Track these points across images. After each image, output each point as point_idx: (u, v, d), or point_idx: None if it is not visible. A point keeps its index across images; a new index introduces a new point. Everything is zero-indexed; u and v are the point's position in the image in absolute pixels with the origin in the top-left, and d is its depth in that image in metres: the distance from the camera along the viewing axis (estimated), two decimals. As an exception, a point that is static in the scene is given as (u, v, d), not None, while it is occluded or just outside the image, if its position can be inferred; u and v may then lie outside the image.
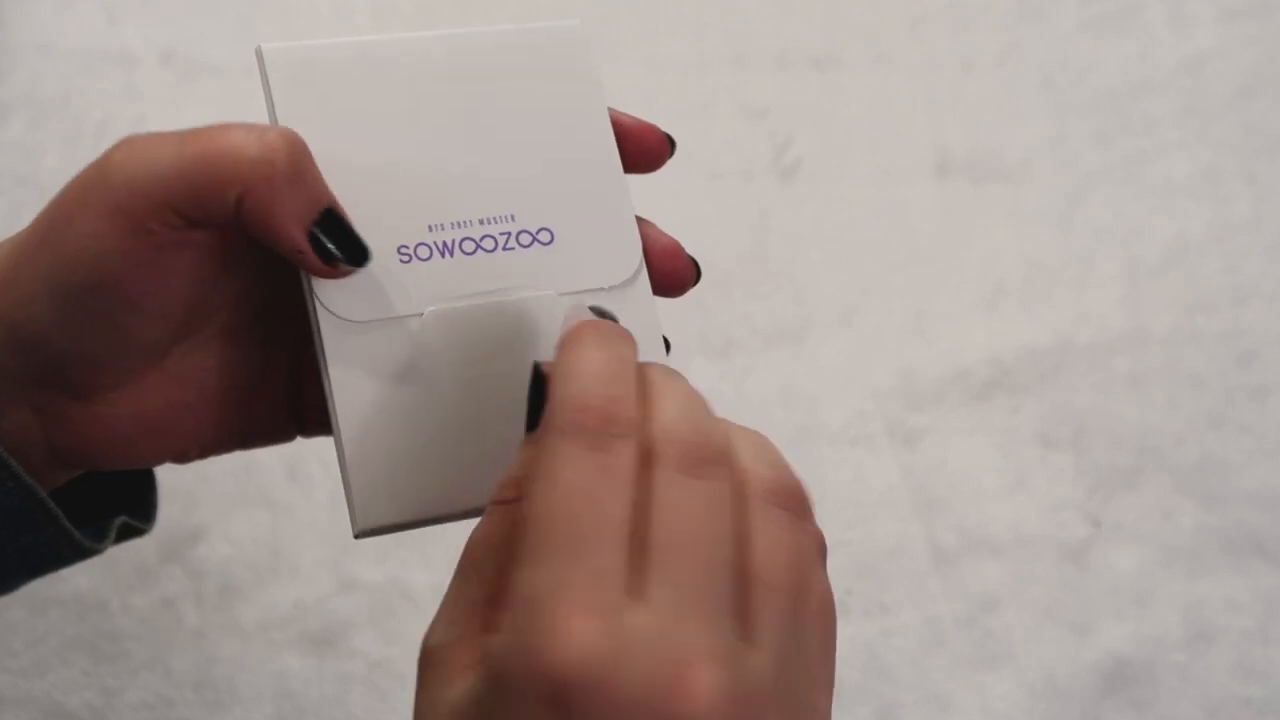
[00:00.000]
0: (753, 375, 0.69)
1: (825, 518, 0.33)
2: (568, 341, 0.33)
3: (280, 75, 0.38)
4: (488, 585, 0.32)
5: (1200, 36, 0.77)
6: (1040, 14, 0.77)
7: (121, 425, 0.39)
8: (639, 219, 0.41)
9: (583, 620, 0.28)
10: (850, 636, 0.63)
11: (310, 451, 0.64)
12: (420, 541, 0.63)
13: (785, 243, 0.72)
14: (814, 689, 0.31)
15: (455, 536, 0.66)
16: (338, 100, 0.39)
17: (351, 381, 0.37)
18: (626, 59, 0.74)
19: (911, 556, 0.66)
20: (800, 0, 0.76)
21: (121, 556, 0.61)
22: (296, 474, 0.64)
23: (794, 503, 0.32)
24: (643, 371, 0.33)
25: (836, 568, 0.34)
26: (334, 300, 0.37)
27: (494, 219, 0.39)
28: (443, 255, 0.38)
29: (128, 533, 0.44)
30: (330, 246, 0.36)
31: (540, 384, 0.33)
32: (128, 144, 0.37)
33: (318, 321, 0.37)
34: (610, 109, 0.41)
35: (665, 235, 0.41)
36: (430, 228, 0.39)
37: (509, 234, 0.39)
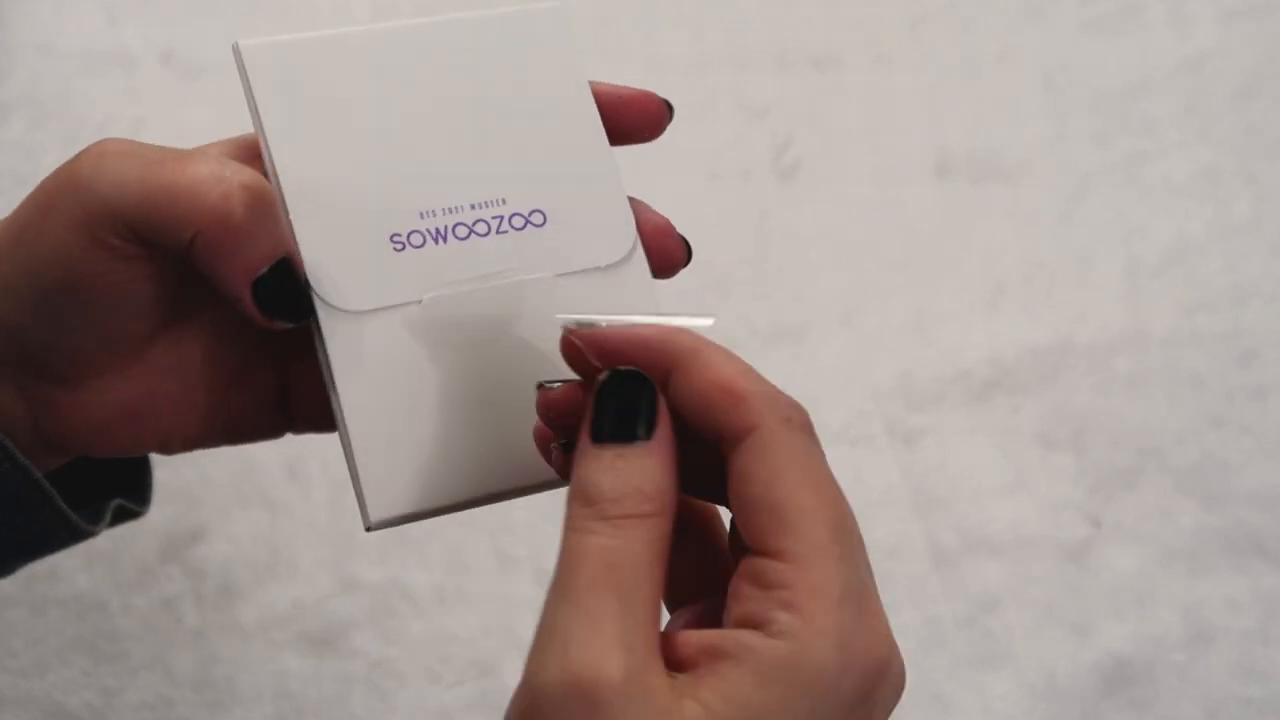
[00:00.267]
0: (753, 375, 0.69)
1: (825, 517, 0.33)
2: (702, 357, 0.33)
3: (260, 72, 0.38)
4: (650, 606, 0.31)
5: (1200, 36, 0.77)
6: (1040, 14, 0.77)
7: (104, 413, 0.39)
8: (631, 199, 0.41)
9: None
10: (850, 636, 0.63)
11: (310, 452, 0.64)
12: (420, 541, 0.63)
13: (785, 243, 0.72)
14: None
15: (456, 536, 0.67)
16: (320, 92, 0.38)
17: (354, 372, 0.37)
18: (626, 59, 0.74)
19: (911, 556, 0.66)
20: (800, 0, 0.76)
21: (121, 556, 0.61)
22: (297, 474, 0.64)
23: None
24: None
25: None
26: (331, 291, 0.37)
27: (485, 203, 0.39)
28: (436, 242, 0.38)
29: (123, 515, 0.44)
30: (272, 303, 0.36)
31: (652, 392, 0.33)
32: (99, 154, 0.36)
33: (315, 314, 0.37)
34: (604, 82, 0.41)
35: (656, 214, 0.41)
36: (422, 214, 0.38)
37: (501, 217, 0.39)
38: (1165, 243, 0.73)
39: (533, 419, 0.37)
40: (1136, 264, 0.72)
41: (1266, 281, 0.72)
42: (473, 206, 0.39)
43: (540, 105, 0.40)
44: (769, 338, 0.70)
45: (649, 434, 0.32)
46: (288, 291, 0.37)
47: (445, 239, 0.38)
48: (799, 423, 0.33)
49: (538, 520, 0.63)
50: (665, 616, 0.34)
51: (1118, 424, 0.69)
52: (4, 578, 0.42)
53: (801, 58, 0.76)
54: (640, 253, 0.40)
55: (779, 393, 0.33)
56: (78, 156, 0.37)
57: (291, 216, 0.37)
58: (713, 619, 0.33)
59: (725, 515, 0.36)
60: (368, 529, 0.37)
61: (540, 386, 0.35)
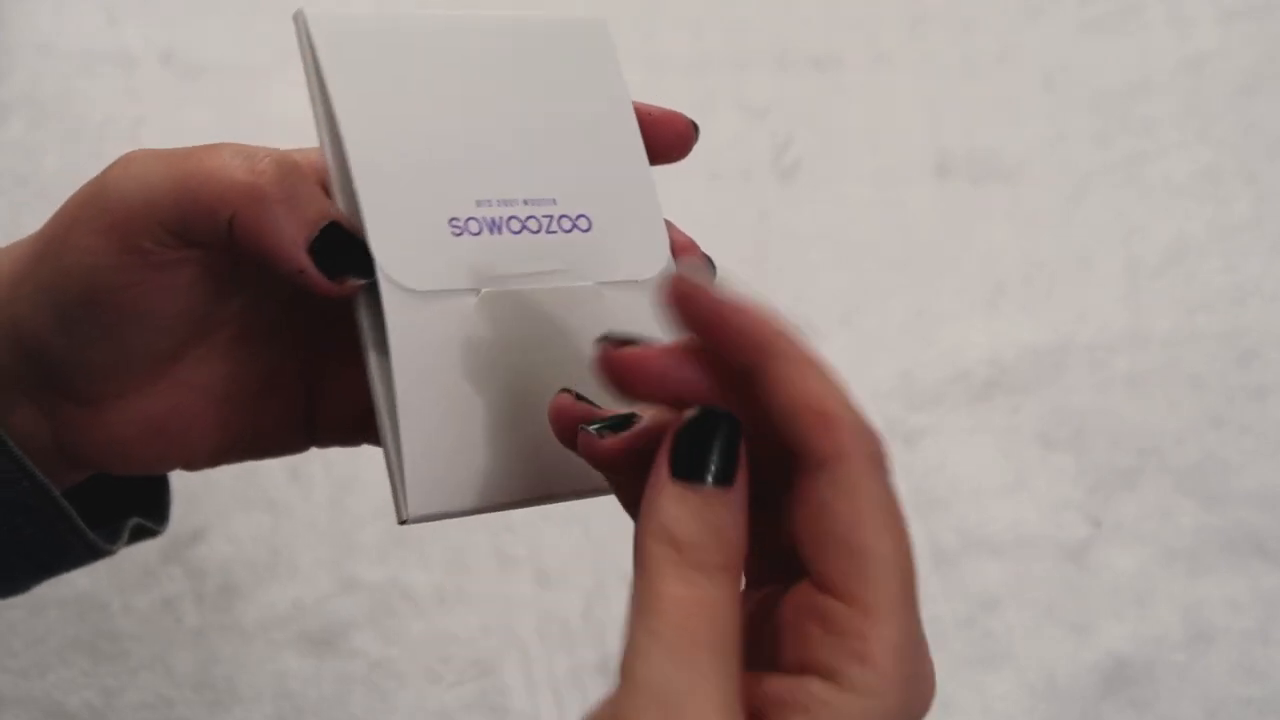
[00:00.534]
0: (753, 375, 0.69)
1: (825, 518, 0.33)
2: (798, 364, 0.31)
3: (327, 41, 0.37)
4: (739, 662, 0.30)
5: (1200, 36, 0.77)
6: (1040, 14, 0.77)
7: (128, 432, 0.38)
8: None
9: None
10: (850, 636, 0.63)
11: (311, 453, 0.64)
12: (420, 541, 0.63)
13: (785, 243, 0.72)
14: None
15: (456, 537, 0.67)
16: (383, 68, 0.38)
17: (409, 351, 0.36)
18: (626, 59, 0.74)
19: (911, 556, 0.66)
20: (800, 0, 0.76)
21: (122, 556, 0.61)
22: (297, 474, 0.64)
23: None
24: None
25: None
26: (396, 268, 0.36)
27: (538, 200, 0.38)
28: (491, 232, 0.38)
29: (141, 534, 0.43)
30: (336, 261, 0.35)
31: (740, 435, 0.31)
32: (126, 161, 0.36)
33: (381, 292, 0.36)
34: (635, 101, 0.41)
35: (680, 232, 0.41)
36: (479, 202, 0.38)
37: (551, 217, 0.39)
38: (1165, 243, 0.73)
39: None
40: (1136, 264, 0.72)
41: (1266, 281, 0.72)
42: (526, 202, 0.38)
43: (587, 114, 0.40)
44: (769, 338, 0.70)
45: (732, 480, 0.31)
46: (349, 247, 0.35)
47: (500, 231, 0.38)
48: (882, 459, 0.31)
49: (538, 520, 0.63)
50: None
51: (1118, 424, 0.69)
52: (20, 594, 0.42)
53: (801, 58, 0.75)
54: (673, 270, 0.40)
55: (867, 423, 0.31)
56: (106, 169, 0.36)
57: (357, 186, 0.36)
58: (757, 626, 0.32)
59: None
60: (402, 522, 0.36)
61: (609, 344, 0.33)
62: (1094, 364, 0.70)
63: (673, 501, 0.30)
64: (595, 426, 0.34)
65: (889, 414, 0.68)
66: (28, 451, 0.38)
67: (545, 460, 0.37)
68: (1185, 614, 0.66)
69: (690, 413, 0.31)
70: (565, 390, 0.35)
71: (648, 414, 0.33)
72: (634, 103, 0.41)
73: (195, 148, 0.36)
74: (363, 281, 0.36)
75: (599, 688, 0.61)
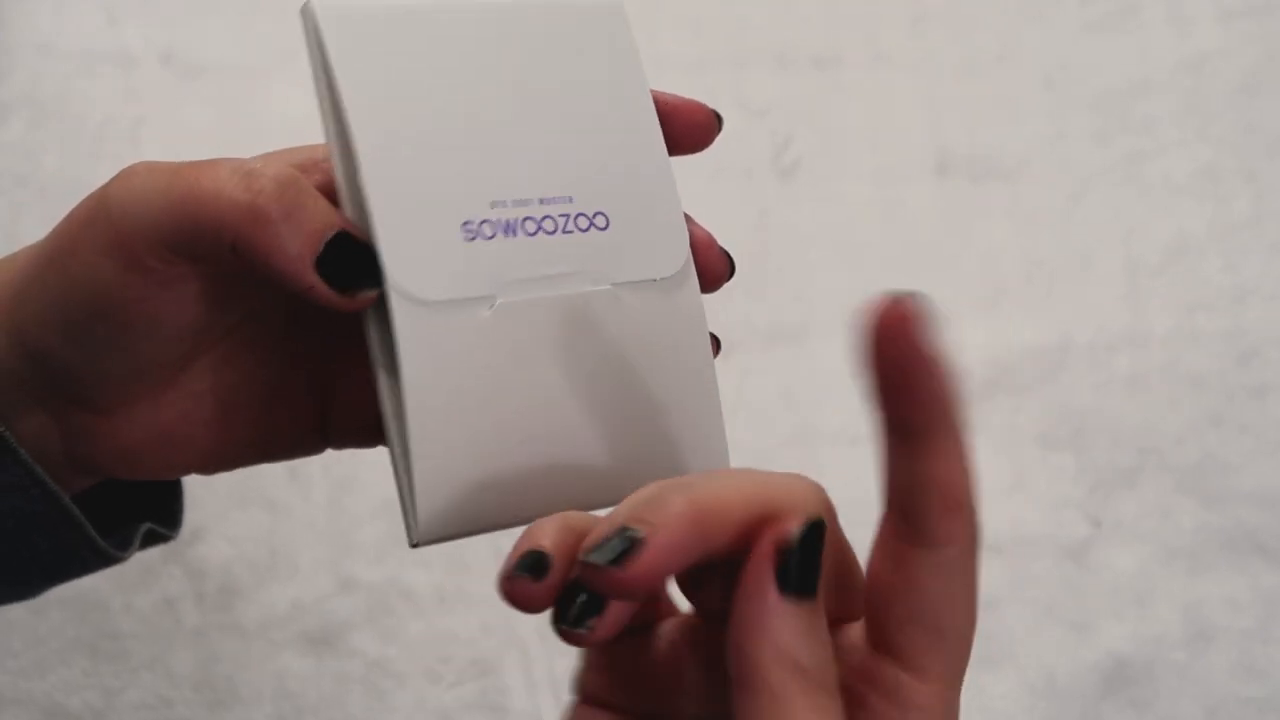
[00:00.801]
0: (753, 375, 0.69)
1: (824, 518, 0.33)
2: (956, 448, 0.31)
3: (335, 35, 0.35)
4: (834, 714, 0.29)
5: (1200, 36, 0.77)
6: (1040, 14, 0.77)
7: (137, 438, 0.38)
8: None
9: None
10: (850, 636, 0.63)
11: (310, 451, 0.64)
12: (420, 541, 0.63)
13: (785, 242, 0.72)
14: None
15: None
16: (394, 63, 0.36)
17: (421, 365, 0.34)
18: (626, 59, 0.74)
19: (911, 556, 0.66)
20: (800, 0, 0.76)
21: (121, 556, 0.61)
22: (297, 474, 0.64)
23: None
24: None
25: (836, 568, 0.34)
26: (407, 278, 0.34)
27: (554, 199, 0.37)
28: (506, 235, 0.36)
29: (153, 539, 0.43)
30: (345, 275, 0.34)
31: (819, 541, 0.30)
32: (127, 175, 0.35)
33: (391, 305, 0.34)
34: (655, 89, 0.40)
35: (698, 226, 0.40)
36: (493, 204, 0.36)
37: (568, 216, 0.37)
38: (1165, 242, 0.73)
39: (583, 440, 0.35)
40: (1136, 263, 0.72)
41: (1266, 281, 0.72)
42: (541, 201, 0.37)
43: (604, 103, 0.38)
44: (769, 337, 0.70)
45: (816, 590, 0.30)
46: (358, 260, 0.34)
47: (515, 233, 0.36)
48: (978, 547, 0.31)
49: (538, 520, 0.63)
50: None
51: (1118, 424, 0.69)
52: (31, 599, 0.42)
53: (801, 57, 0.75)
54: (692, 266, 0.38)
55: (979, 515, 0.31)
56: (108, 183, 0.35)
57: (367, 191, 0.35)
58: None
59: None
60: (413, 545, 0.35)
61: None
62: (1094, 364, 0.70)
63: (787, 622, 0.29)
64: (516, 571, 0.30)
65: (889, 413, 0.68)
66: (37, 458, 0.37)
67: (560, 476, 0.36)
68: (1185, 613, 0.66)
69: (799, 526, 0.30)
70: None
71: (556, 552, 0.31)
72: (652, 91, 0.40)
73: (194, 165, 0.35)
74: (376, 292, 0.34)
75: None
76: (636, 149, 0.38)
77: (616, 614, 0.30)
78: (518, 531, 0.35)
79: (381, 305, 0.35)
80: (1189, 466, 0.68)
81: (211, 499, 0.63)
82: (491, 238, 0.36)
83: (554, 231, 0.37)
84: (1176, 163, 0.74)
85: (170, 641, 0.61)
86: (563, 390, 0.36)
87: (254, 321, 0.39)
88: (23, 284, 0.37)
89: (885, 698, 0.30)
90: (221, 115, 0.68)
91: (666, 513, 0.29)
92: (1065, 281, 0.72)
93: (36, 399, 0.38)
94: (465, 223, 0.35)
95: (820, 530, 0.30)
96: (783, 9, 0.76)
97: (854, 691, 0.30)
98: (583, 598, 0.30)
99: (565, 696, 0.34)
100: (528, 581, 0.30)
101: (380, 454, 0.36)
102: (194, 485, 0.63)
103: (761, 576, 0.29)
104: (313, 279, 0.34)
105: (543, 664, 0.63)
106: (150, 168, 0.35)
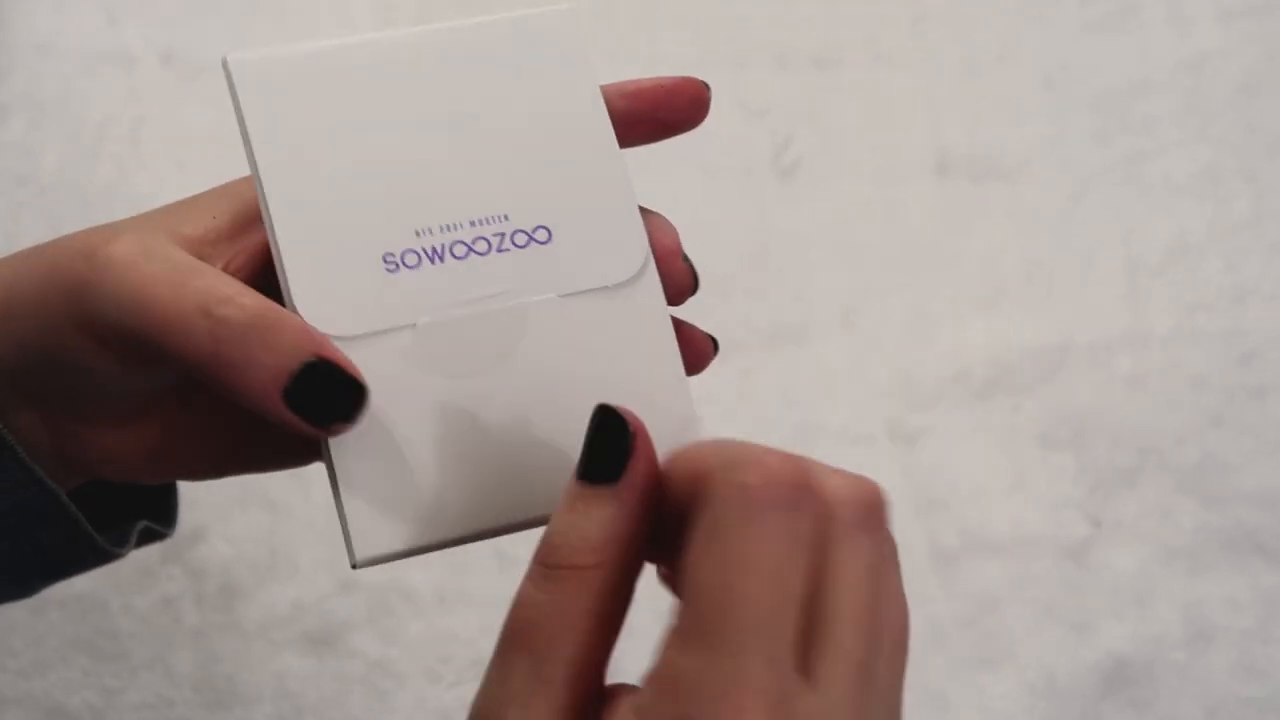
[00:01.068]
0: (752, 375, 0.69)
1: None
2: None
3: (249, 88, 0.37)
4: (567, 666, 0.30)
5: (1200, 36, 0.77)
6: (1040, 14, 0.77)
7: (125, 451, 0.38)
8: (645, 210, 0.39)
9: (758, 717, 0.27)
10: (850, 636, 0.63)
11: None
12: (420, 541, 0.63)
13: (785, 242, 0.72)
14: None
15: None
16: (313, 108, 0.37)
17: None
18: (626, 59, 0.74)
19: (911, 556, 0.66)
20: (800, 0, 0.76)
21: (121, 556, 0.61)
22: (297, 474, 0.64)
23: (877, 521, 0.31)
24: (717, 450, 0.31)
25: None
26: (318, 315, 0.35)
27: (486, 220, 0.37)
28: (432, 261, 0.36)
29: (149, 537, 0.43)
30: (317, 405, 0.34)
31: (618, 431, 0.31)
32: (103, 268, 0.35)
33: None
34: (643, 78, 0.39)
35: (668, 233, 0.39)
36: (418, 233, 0.36)
37: (503, 234, 0.37)
38: (1165, 242, 0.73)
39: (533, 450, 0.35)
40: (1136, 263, 0.72)
41: (1266, 281, 0.72)
42: (472, 223, 0.37)
43: (548, 114, 0.38)
44: (769, 338, 0.70)
45: (617, 477, 0.31)
46: (332, 387, 0.34)
47: (442, 259, 0.36)
48: (770, 502, 0.30)
49: (538, 520, 0.63)
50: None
51: (1118, 424, 0.69)
52: (28, 597, 0.42)
53: (801, 57, 0.76)
54: (653, 269, 0.38)
55: (774, 467, 0.30)
56: (86, 265, 0.35)
57: (278, 238, 0.36)
58: None
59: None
60: (353, 567, 0.36)
61: None
62: (1094, 364, 0.70)
63: (561, 501, 0.31)
64: None
65: (889, 414, 0.68)
66: (32, 456, 0.38)
67: (499, 490, 0.36)
68: (1185, 613, 0.66)
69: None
70: None
71: None
72: (644, 80, 0.39)
73: (169, 274, 0.34)
74: (349, 425, 0.34)
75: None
76: (584, 154, 0.38)
77: None
78: (520, 534, 0.35)
79: None
80: (1189, 467, 0.68)
81: (211, 499, 0.63)
82: (416, 266, 0.36)
83: (487, 252, 0.37)
84: (1176, 163, 0.74)
85: (170, 641, 0.61)
86: (500, 402, 0.36)
87: None
88: (6, 296, 0.37)
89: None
90: (221, 115, 0.68)
91: None
92: (1065, 281, 0.72)
93: (26, 400, 0.38)
94: (386, 255, 0.36)
95: (601, 417, 0.32)
96: (783, 9, 0.76)
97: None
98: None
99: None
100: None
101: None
102: (194, 485, 0.63)
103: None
104: (282, 412, 0.34)
105: (543, 664, 0.63)
106: (128, 262, 0.35)
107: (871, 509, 0.31)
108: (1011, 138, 0.74)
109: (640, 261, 0.38)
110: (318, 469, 0.66)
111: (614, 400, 0.33)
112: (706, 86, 0.40)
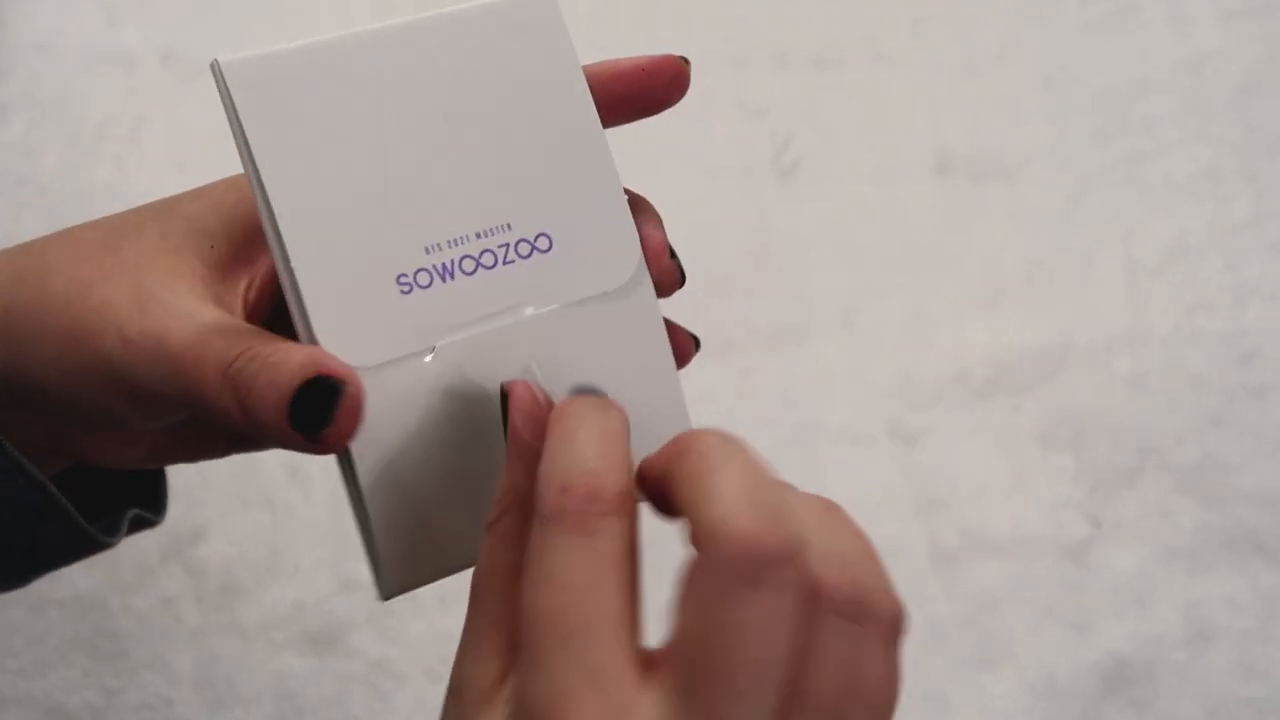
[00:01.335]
0: (752, 375, 0.69)
1: (825, 518, 0.33)
2: (551, 422, 0.31)
3: (246, 92, 0.35)
4: (488, 616, 0.31)
5: (1200, 36, 0.77)
6: (1040, 14, 0.77)
7: (120, 450, 0.39)
8: (626, 192, 0.38)
9: None
10: (850, 636, 0.63)
11: (310, 451, 0.64)
12: (420, 541, 0.63)
13: (785, 242, 0.72)
14: None
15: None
16: (311, 113, 0.35)
17: (370, 435, 0.34)
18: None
19: (912, 556, 0.66)
20: (800, 0, 0.76)
21: (122, 556, 0.61)
22: (297, 474, 0.64)
23: (860, 609, 0.29)
24: (697, 443, 0.30)
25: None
26: (338, 347, 0.34)
27: (490, 230, 0.36)
28: (444, 279, 0.35)
29: (140, 524, 0.44)
30: (311, 420, 0.32)
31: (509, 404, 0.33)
32: (135, 347, 0.34)
33: None
34: (620, 58, 0.39)
35: (655, 229, 0.38)
36: (427, 249, 0.35)
37: (507, 245, 0.36)
38: (1165, 242, 0.73)
39: None
40: (1136, 263, 0.72)
41: (1266, 281, 0.72)
42: (478, 235, 0.36)
43: (536, 110, 0.37)
44: (769, 338, 0.70)
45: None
46: (330, 401, 0.32)
47: (453, 275, 0.35)
48: (556, 509, 0.30)
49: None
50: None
51: (1118, 424, 0.69)
52: (20, 587, 0.42)
53: (801, 57, 0.76)
54: (645, 271, 0.37)
55: (565, 472, 0.30)
56: (83, 307, 0.35)
57: (293, 264, 0.34)
58: None
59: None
60: (383, 599, 0.35)
61: None
62: (1094, 364, 0.70)
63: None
64: None
65: (889, 414, 0.68)
66: (24, 450, 0.38)
67: None
68: (1185, 613, 0.66)
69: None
70: None
71: None
72: (621, 60, 0.38)
73: (184, 349, 0.34)
74: (341, 428, 0.33)
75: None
76: (576, 153, 0.37)
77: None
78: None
79: None
80: (1189, 467, 0.68)
81: (212, 499, 0.63)
82: (428, 286, 0.35)
83: (494, 265, 0.36)
84: (1176, 163, 0.74)
85: (170, 641, 0.61)
86: None
87: None
88: (5, 308, 0.37)
89: None
90: (221, 115, 0.68)
91: None
92: (1065, 281, 0.72)
93: (18, 404, 0.38)
94: (400, 276, 0.35)
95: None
96: (783, 9, 0.76)
97: None
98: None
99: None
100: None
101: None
102: (194, 485, 0.63)
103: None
104: (284, 425, 0.33)
105: (543, 664, 0.63)
106: (129, 328, 0.34)
107: (861, 592, 0.29)
108: (1011, 138, 0.74)
109: (635, 265, 0.37)
110: (318, 469, 0.66)
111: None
112: (686, 62, 0.39)
